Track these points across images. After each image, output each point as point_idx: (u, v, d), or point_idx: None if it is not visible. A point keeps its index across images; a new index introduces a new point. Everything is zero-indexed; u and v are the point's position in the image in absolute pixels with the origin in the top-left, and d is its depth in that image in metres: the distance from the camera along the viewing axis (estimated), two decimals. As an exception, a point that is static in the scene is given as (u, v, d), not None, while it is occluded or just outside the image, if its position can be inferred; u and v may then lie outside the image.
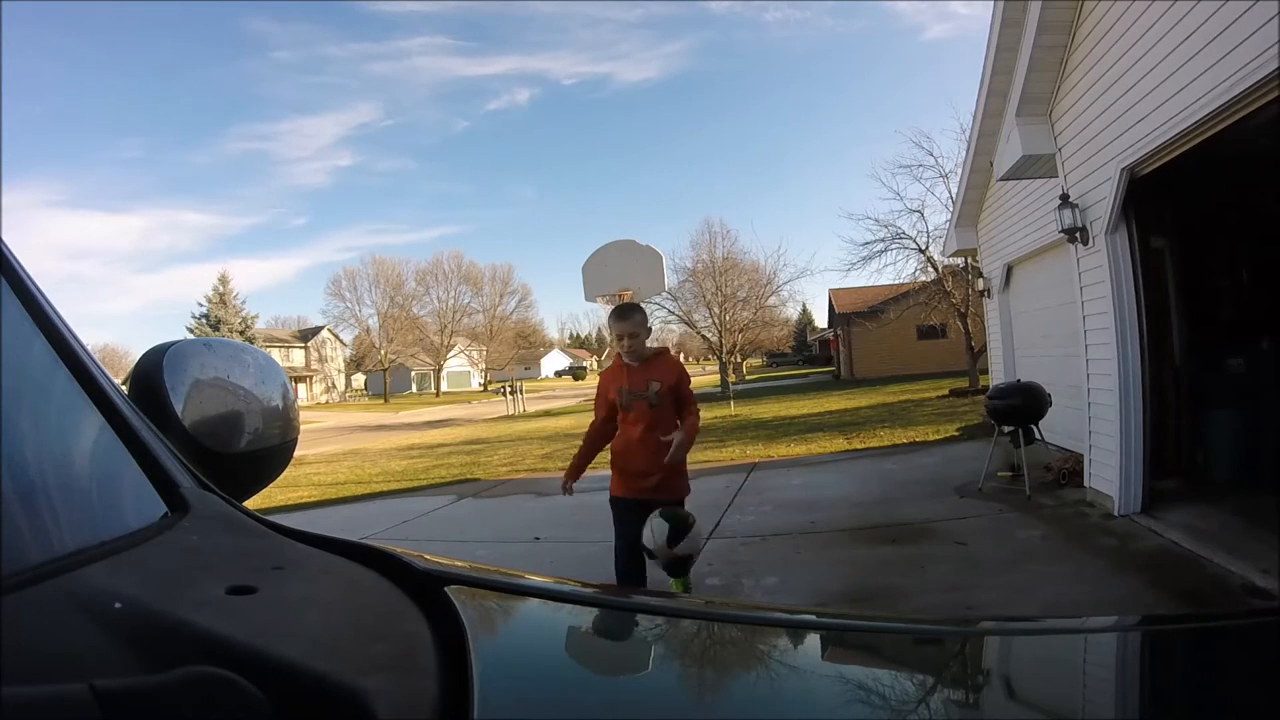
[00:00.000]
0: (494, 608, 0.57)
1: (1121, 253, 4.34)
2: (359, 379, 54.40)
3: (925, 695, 0.47)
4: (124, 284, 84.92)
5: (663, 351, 2.94)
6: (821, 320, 38.72)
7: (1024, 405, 5.07)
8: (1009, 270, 7.44)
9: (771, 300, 26.19)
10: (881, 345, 23.73)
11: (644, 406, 2.77)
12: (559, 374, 63.74)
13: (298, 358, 48.06)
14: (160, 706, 0.25)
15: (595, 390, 2.95)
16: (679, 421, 2.78)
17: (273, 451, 0.72)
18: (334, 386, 51.46)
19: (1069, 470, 5.14)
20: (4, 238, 0.51)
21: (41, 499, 0.42)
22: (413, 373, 53.40)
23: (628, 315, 2.80)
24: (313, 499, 8.16)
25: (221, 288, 41.70)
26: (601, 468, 3.06)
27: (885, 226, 17.32)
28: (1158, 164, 3.85)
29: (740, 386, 24.85)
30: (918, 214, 17.00)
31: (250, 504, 0.58)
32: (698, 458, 6.98)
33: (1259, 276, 5.10)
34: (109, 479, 0.50)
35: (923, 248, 16.91)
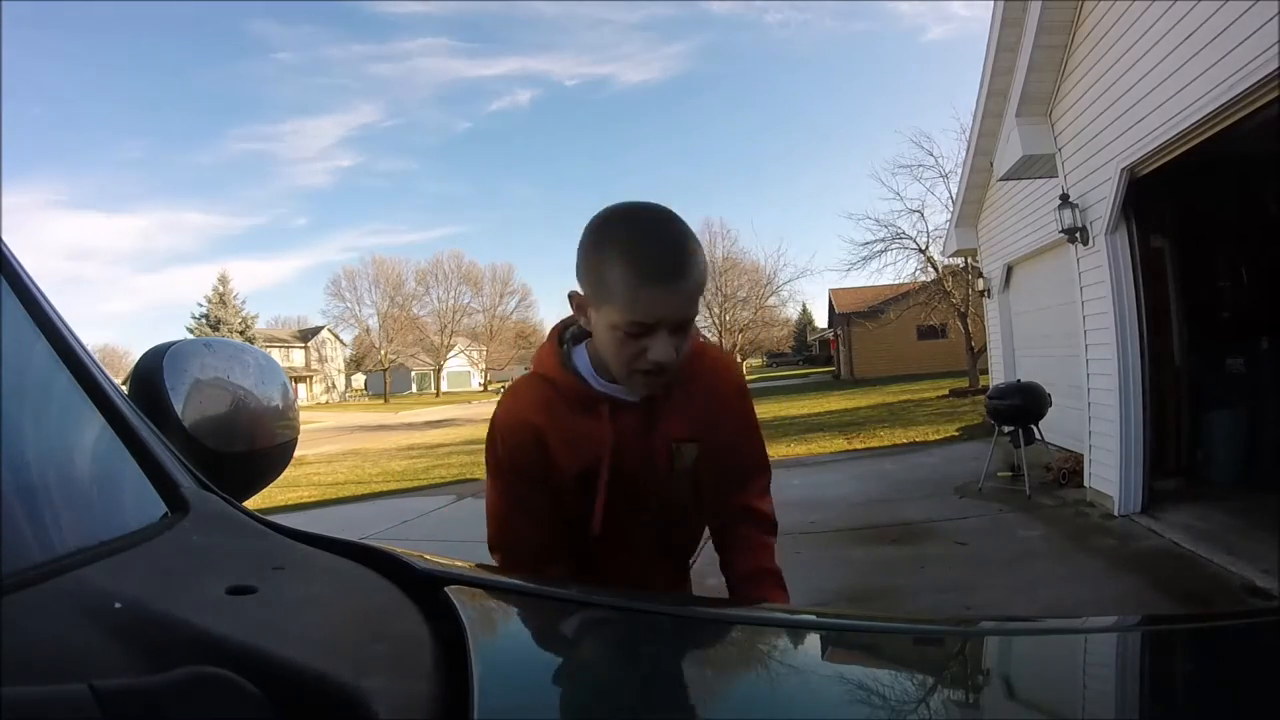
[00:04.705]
0: (494, 608, 0.57)
1: (1121, 253, 4.34)
2: (359, 379, 54.42)
3: (925, 695, 0.47)
4: (125, 284, 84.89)
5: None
6: (821, 320, 38.71)
7: (1024, 405, 5.08)
8: (1009, 270, 7.45)
9: (771, 300, 26.32)
10: (881, 345, 23.74)
11: (655, 508, 1.02)
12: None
13: (298, 358, 48.07)
14: (160, 706, 0.26)
15: (501, 461, 1.00)
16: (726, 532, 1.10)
17: (273, 451, 0.72)
18: (334, 386, 51.48)
19: (1069, 470, 5.14)
20: (4, 238, 0.51)
21: (42, 499, 0.42)
22: (413, 373, 53.41)
23: (692, 271, 0.86)
24: (313, 499, 8.16)
25: (221, 288, 41.73)
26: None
27: (885, 226, 17.38)
28: (1158, 164, 3.85)
29: (740, 386, 24.82)
30: (918, 214, 17.04)
31: (250, 504, 0.58)
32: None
33: (1259, 276, 5.11)
34: (109, 479, 0.50)
35: (923, 248, 16.94)
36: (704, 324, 23.91)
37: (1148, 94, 3.66)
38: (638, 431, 0.98)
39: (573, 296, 0.93)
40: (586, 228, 0.89)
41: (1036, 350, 6.96)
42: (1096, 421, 4.67)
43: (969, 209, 8.09)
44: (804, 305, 48.40)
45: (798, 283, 47.55)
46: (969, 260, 10.53)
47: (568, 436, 0.97)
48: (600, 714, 0.41)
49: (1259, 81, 2.83)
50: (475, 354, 51.14)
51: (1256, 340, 4.72)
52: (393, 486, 8.81)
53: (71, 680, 0.25)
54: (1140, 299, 4.32)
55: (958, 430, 8.79)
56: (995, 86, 6.06)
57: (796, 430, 10.70)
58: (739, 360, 28.29)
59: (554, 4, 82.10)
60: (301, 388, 45.05)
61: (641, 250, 0.84)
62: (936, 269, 16.80)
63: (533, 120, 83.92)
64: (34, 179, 67.31)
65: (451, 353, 49.07)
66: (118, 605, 0.34)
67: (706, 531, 1.14)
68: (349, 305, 47.79)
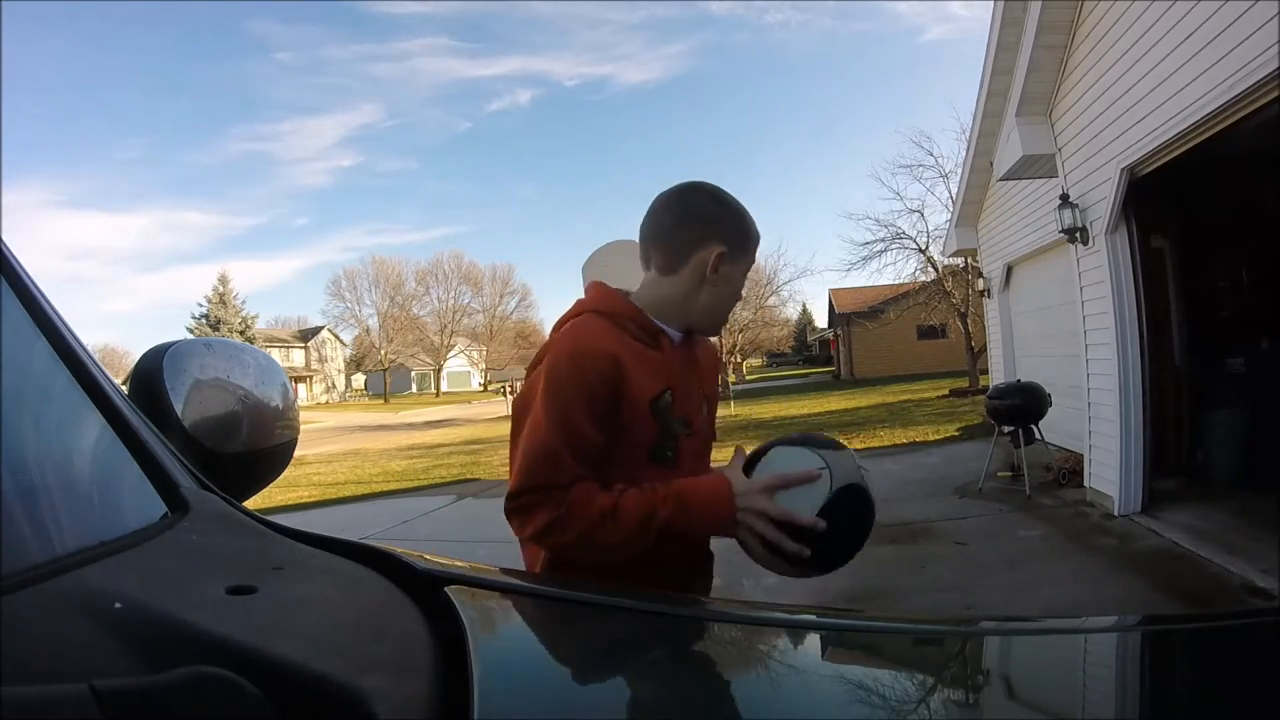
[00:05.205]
0: (494, 608, 0.57)
1: (1121, 253, 4.34)
2: (359, 379, 54.42)
3: (925, 695, 0.47)
4: (125, 284, 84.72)
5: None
6: (821, 320, 38.65)
7: (1024, 405, 5.07)
8: (1009, 270, 7.44)
9: (771, 300, 26.29)
10: (881, 345, 23.72)
11: (698, 443, 1.13)
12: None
13: (298, 358, 48.06)
14: (160, 706, 0.25)
15: (571, 390, 0.96)
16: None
17: (273, 451, 0.72)
18: (334, 386, 51.47)
19: (1069, 470, 5.14)
20: (4, 238, 0.51)
21: (42, 499, 0.42)
22: (413, 373, 53.41)
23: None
24: (313, 499, 8.16)
25: (221, 288, 41.71)
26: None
27: (885, 226, 17.35)
28: (1158, 164, 3.85)
29: (740, 386, 24.85)
30: (918, 214, 17.02)
31: (250, 504, 0.58)
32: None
33: (1259, 276, 5.10)
34: (109, 479, 0.50)
35: (923, 248, 16.92)
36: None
37: (1148, 94, 3.66)
38: (686, 370, 1.10)
39: (714, 255, 1.04)
40: (703, 199, 1.06)
41: (1036, 350, 6.95)
42: (1096, 421, 4.66)
43: (969, 209, 8.09)
44: (804, 305, 48.29)
45: (798, 283, 47.45)
46: (969, 260, 10.53)
47: (642, 361, 1.02)
48: (600, 714, 0.41)
49: (1259, 81, 2.83)
50: (475, 354, 51.14)
51: (1256, 340, 4.71)
52: (393, 486, 8.81)
53: (71, 680, 0.25)
54: (1140, 299, 4.32)
55: (958, 430, 8.79)
56: (995, 86, 6.06)
57: (797, 430, 10.68)
58: (739, 360, 28.34)
59: (554, 4, 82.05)
60: (301, 388, 45.03)
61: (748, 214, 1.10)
62: (936, 269, 16.79)
63: (533, 120, 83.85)
64: (34, 179, 67.20)
65: (451, 353, 49.06)
66: (118, 605, 0.34)
67: None
68: (349, 305, 47.86)
